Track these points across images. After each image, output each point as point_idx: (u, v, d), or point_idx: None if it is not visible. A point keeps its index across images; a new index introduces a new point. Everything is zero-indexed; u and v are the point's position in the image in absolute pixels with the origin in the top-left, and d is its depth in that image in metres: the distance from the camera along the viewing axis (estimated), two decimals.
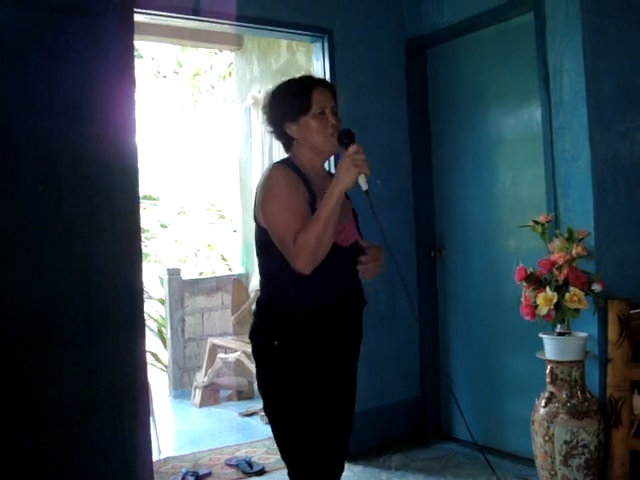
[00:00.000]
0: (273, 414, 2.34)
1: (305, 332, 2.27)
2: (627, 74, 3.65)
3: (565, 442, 3.17)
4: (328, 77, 4.10)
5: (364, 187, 2.17)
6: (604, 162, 3.51)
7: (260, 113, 5.81)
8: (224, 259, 8.03)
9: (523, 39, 3.81)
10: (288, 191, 2.22)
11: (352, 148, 2.17)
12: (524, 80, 3.85)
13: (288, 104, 2.32)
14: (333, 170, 2.36)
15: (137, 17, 3.56)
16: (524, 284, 3.28)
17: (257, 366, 2.37)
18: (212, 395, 5.70)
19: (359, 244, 2.39)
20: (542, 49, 3.64)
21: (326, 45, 4.16)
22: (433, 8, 4.29)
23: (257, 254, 2.40)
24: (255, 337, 2.37)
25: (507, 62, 3.99)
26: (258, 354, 2.36)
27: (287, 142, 2.39)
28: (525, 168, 3.90)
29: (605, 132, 3.52)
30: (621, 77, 3.62)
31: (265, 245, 2.29)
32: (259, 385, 2.38)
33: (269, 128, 2.42)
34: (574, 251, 3.19)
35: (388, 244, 2.29)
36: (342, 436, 2.39)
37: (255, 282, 5.78)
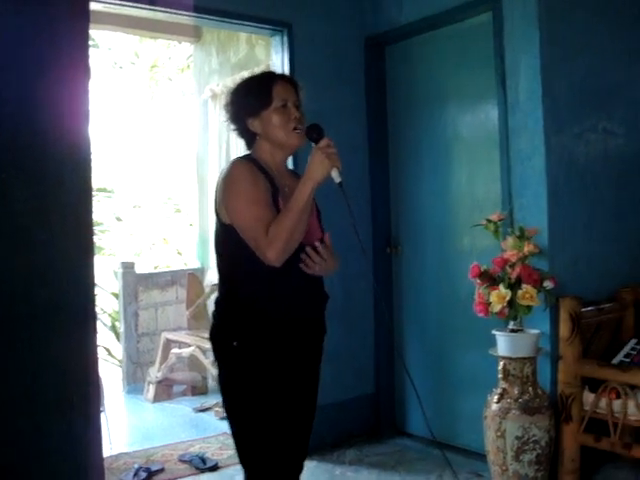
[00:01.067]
0: (234, 416, 2.30)
1: (267, 332, 2.23)
2: (582, 77, 3.71)
3: (517, 437, 3.21)
4: (287, 71, 4.08)
5: (337, 180, 2.18)
6: (558, 162, 3.56)
7: (218, 106, 5.77)
8: (179, 253, 7.96)
9: (481, 39, 3.84)
10: (253, 184, 2.19)
11: (324, 141, 2.17)
12: (481, 80, 3.88)
13: (249, 99, 2.31)
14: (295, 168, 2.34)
15: (92, 5, 3.49)
16: (478, 281, 3.32)
17: (218, 367, 2.34)
18: (166, 390, 5.64)
19: (324, 241, 2.34)
20: (499, 49, 3.68)
21: (285, 39, 4.14)
22: (392, 6, 4.30)
23: (217, 252, 2.35)
24: (215, 338, 2.33)
25: (465, 61, 4.02)
26: (219, 355, 2.32)
27: (250, 138, 2.37)
28: (481, 167, 3.93)
29: (560, 133, 3.58)
30: (576, 79, 3.68)
31: (227, 243, 2.27)
32: (220, 386, 2.35)
33: (232, 126, 2.40)
34: (526, 249, 3.23)
35: (360, 237, 2.30)
36: (302, 437, 2.37)
37: (210, 277, 5.74)
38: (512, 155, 3.63)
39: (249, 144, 2.39)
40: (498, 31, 3.68)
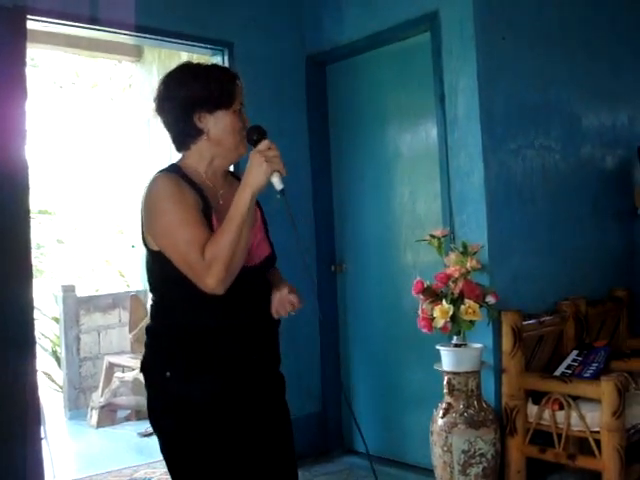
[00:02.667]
0: (171, 463, 1.99)
1: (200, 359, 1.93)
2: (519, 94, 3.80)
3: (463, 452, 3.23)
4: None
5: (279, 186, 1.88)
6: (497, 178, 3.63)
7: (160, 126, 5.72)
8: (122, 275, 7.84)
9: (421, 58, 3.91)
10: (179, 202, 1.87)
11: (263, 144, 1.87)
12: (421, 98, 3.94)
13: (210, 89, 1.94)
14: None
15: (31, 24, 3.44)
16: (421, 297, 3.34)
17: (150, 401, 2.02)
18: (109, 415, 5.53)
19: (270, 259, 2.09)
20: (438, 68, 3.74)
21: (227, 58, 4.15)
22: (333, 25, 4.34)
23: (148, 279, 2.05)
24: (147, 369, 2.01)
25: (405, 80, 4.08)
26: (150, 388, 2.01)
27: (187, 138, 1.99)
28: (422, 184, 3.98)
29: (498, 149, 3.65)
30: (513, 97, 3.76)
31: (156, 270, 1.99)
32: (154, 425, 2.02)
33: (169, 117, 2.00)
34: (469, 264, 3.27)
35: (301, 249, 2.16)
36: None
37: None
38: (452, 172, 3.69)
39: (183, 145, 2.03)
40: (436, 50, 3.75)
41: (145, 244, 1.98)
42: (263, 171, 1.83)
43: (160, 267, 1.93)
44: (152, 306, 2.04)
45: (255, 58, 4.24)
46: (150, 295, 2.06)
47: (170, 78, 2.00)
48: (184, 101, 1.95)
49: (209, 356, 1.92)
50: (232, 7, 4.20)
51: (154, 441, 5.17)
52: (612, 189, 4.49)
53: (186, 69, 2.01)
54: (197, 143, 1.98)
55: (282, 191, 1.89)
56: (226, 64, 4.14)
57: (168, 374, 1.91)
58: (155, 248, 1.93)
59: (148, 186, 1.94)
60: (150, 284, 2.05)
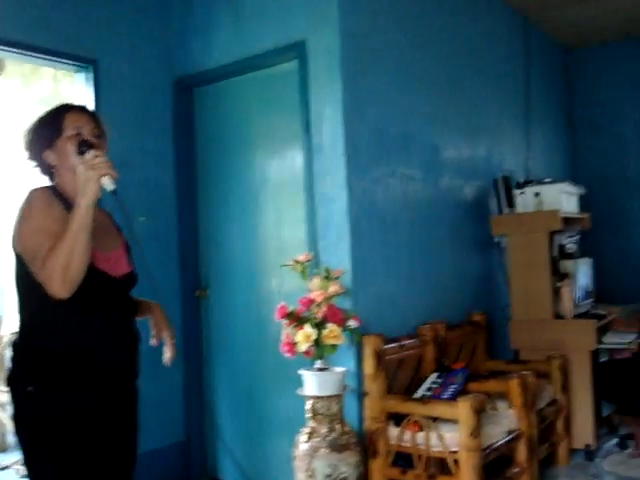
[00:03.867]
0: (32, 473, 2.14)
1: (64, 375, 2.09)
2: (382, 124, 3.91)
3: (327, 476, 3.22)
4: (92, 109, 3.97)
5: (110, 187, 2.05)
6: (360, 205, 3.70)
7: (21, 142, 5.47)
8: None
9: (288, 85, 3.94)
10: (42, 212, 2.08)
11: (88, 155, 2.06)
12: (288, 125, 3.96)
13: (42, 131, 2.23)
14: None
15: None
16: (285, 322, 3.34)
17: (13, 415, 2.15)
18: None
19: (132, 277, 2.29)
20: (305, 96, 3.79)
21: (91, 76, 4.02)
22: (201, 48, 4.31)
23: (16, 290, 2.19)
24: (11, 383, 2.15)
25: (273, 106, 4.10)
26: (14, 402, 2.14)
27: (47, 171, 2.26)
28: (288, 209, 4.00)
29: (361, 177, 3.73)
30: (377, 127, 3.87)
31: (21, 277, 2.13)
32: (17, 438, 2.16)
33: (32, 163, 2.28)
34: (331, 289, 3.31)
35: (144, 255, 2.30)
36: None
37: (7, 326, 5.37)
38: (317, 198, 3.73)
39: (52, 180, 2.27)
40: (303, 79, 3.79)
41: (14, 250, 2.12)
42: (91, 179, 2.01)
43: (20, 271, 2.10)
44: (19, 320, 2.19)
45: (120, 77, 4.14)
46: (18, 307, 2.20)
47: (24, 138, 2.28)
48: (32, 150, 2.25)
49: (68, 371, 2.10)
50: (98, 24, 4.07)
51: (9, 475, 4.90)
52: (471, 218, 4.70)
53: (29, 125, 2.28)
54: (56, 174, 2.23)
55: (114, 191, 2.06)
56: (90, 82, 4.02)
57: (29, 389, 2.07)
58: (19, 252, 2.09)
59: (23, 199, 2.12)
60: (17, 293, 2.18)
